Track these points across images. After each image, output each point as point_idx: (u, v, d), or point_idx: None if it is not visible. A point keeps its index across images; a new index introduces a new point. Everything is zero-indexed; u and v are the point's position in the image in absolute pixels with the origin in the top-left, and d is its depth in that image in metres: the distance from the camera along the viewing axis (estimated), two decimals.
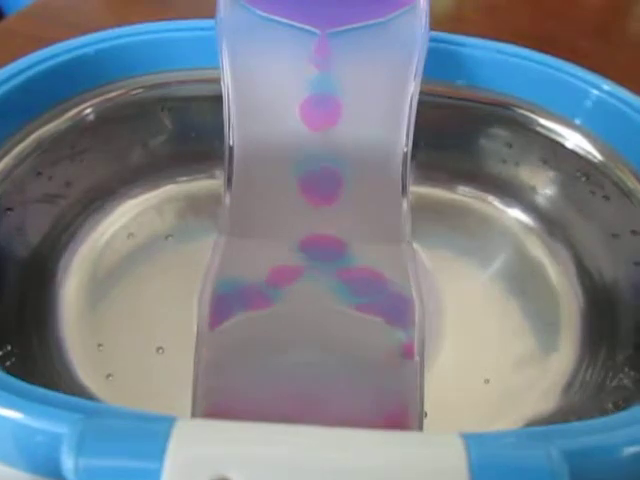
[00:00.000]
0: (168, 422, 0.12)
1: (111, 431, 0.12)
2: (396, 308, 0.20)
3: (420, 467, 0.12)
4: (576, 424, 0.15)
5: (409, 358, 0.19)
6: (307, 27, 0.22)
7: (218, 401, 0.18)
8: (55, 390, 0.14)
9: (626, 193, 0.23)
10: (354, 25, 0.22)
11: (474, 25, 0.43)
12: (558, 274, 0.25)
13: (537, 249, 0.26)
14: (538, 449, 0.12)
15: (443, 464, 0.12)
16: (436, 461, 0.12)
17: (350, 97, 0.23)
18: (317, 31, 0.22)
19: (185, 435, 0.12)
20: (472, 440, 0.12)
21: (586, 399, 0.21)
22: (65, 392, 0.15)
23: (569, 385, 0.22)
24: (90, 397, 0.20)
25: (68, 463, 0.12)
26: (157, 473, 0.11)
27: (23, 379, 0.15)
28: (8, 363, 0.19)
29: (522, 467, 0.12)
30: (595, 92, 0.24)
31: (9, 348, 0.20)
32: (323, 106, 0.23)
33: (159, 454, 0.12)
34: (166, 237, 0.26)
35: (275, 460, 0.12)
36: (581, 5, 0.47)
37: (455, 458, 0.12)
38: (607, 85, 0.24)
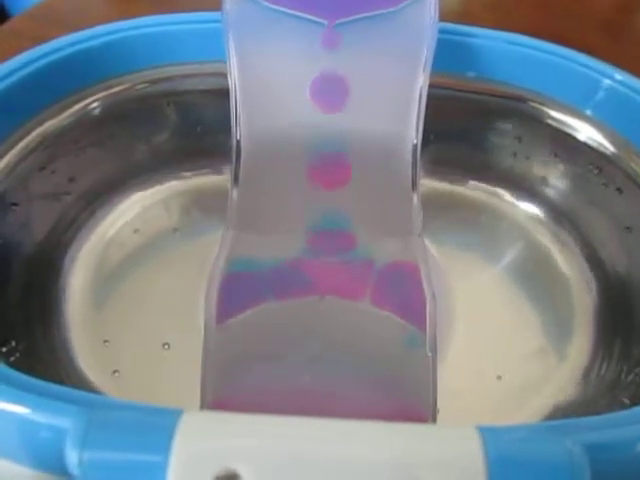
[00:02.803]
0: (174, 415, 0.12)
1: (116, 424, 0.12)
2: (407, 302, 0.20)
3: (435, 460, 0.11)
4: (594, 418, 0.14)
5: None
6: (314, 18, 0.22)
7: (226, 397, 0.18)
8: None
9: (639, 185, 0.23)
10: (362, 15, 0.22)
11: (481, 22, 0.43)
12: (570, 268, 0.25)
13: (549, 243, 0.26)
14: (558, 443, 0.12)
15: (459, 457, 0.11)
16: (452, 454, 0.11)
17: (359, 89, 0.23)
18: (325, 22, 0.22)
19: (192, 428, 0.12)
20: (489, 433, 0.12)
21: (601, 394, 0.21)
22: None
23: (583, 380, 0.22)
24: (96, 393, 0.20)
25: (72, 457, 0.11)
26: (163, 466, 0.11)
27: (29, 375, 0.14)
28: (12, 359, 0.19)
29: (541, 461, 0.11)
30: (607, 82, 0.23)
31: (13, 344, 0.20)
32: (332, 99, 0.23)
33: (165, 447, 0.11)
34: (173, 231, 0.25)
35: (284, 453, 0.11)
36: (589, 2, 0.46)
37: (471, 451, 0.11)
38: (619, 74, 0.23)
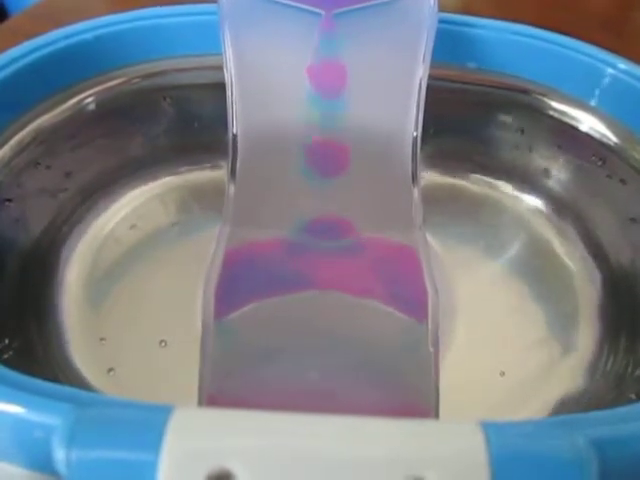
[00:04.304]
0: (166, 411, 0.11)
1: (105, 421, 0.11)
2: (409, 296, 0.20)
3: (437, 457, 0.11)
4: (601, 413, 0.14)
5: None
6: (311, 8, 0.22)
7: (225, 395, 0.17)
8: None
9: None
10: (360, 5, 0.22)
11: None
12: (574, 262, 0.25)
13: (552, 236, 0.25)
14: (564, 438, 0.11)
15: (462, 454, 0.11)
16: (454, 450, 0.11)
17: (357, 81, 0.22)
18: (322, 12, 0.22)
19: (184, 425, 0.11)
20: (492, 429, 0.12)
21: (607, 390, 0.20)
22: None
23: (589, 375, 0.21)
24: (90, 391, 0.19)
25: (59, 455, 0.11)
26: (153, 465, 0.11)
27: (20, 372, 0.14)
28: (6, 357, 0.19)
29: (547, 457, 0.11)
30: (610, 71, 0.23)
31: (7, 342, 0.19)
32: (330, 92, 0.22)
33: (156, 445, 0.11)
34: (172, 225, 0.25)
35: (281, 450, 0.11)
36: None
37: (474, 447, 0.11)
38: (623, 64, 0.23)
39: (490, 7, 0.45)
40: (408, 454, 0.11)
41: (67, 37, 0.23)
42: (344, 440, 0.11)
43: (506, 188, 0.27)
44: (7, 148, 0.22)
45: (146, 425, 0.11)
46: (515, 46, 0.24)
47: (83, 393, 0.14)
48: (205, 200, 0.26)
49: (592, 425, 0.13)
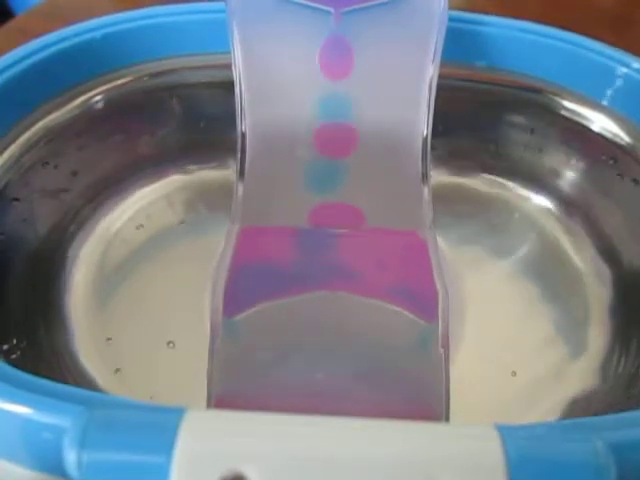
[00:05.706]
0: (178, 413, 0.11)
1: (116, 423, 0.11)
2: (419, 297, 0.19)
3: (453, 460, 0.11)
4: (616, 416, 0.14)
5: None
6: (321, 6, 0.21)
7: (233, 396, 0.17)
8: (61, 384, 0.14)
9: None
10: (369, 3, 0.21)
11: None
12: (584, 262, 0.24)
13: (562, 236, 0.25)
14: (581, 442, 0.11)
15: (478, 457, 0.11)
16: (470, 454, 0.11)
17: (367, 79, 0.22)
18: (331, 10, 0.21)
19: (196, 427, 0.11)
20: (508, 431, 0.11)
21: (618, 391, 0.20)
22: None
23: (600, 376, 0.21)
24: (97, 391, 0.19)
25: (70, 457, 0.11)
26: (165, 468, 0.10)
27: (28, 373, 0.14)
28: (13, 357, 0.18)
29: (565, 461, 0.11)
30: (623, 70, 0.23)
31: (14, 342, 0.19)
32: None
33: (168, 447, 0.11)
34: (179, 223, 0.25)
35: (293, 453, 0.11)
36: None
37: (491, 450, 0.11)
38: (636, 62, 0.23)
39: (494, 4, 0.44)
40: (424, 457, 0.11)
41: (75, 36, 0.23)
42: (359, 443, 0.11)
43: (516, 188, 0.26)
44: (15, 147, 0.21)
45: (158, 427, 0.11)
46: (525, 44, 0.24)
47: (93, 394, 0.13)
48: (212, 199, 0.26)
49: (608, 428, 0.13)
